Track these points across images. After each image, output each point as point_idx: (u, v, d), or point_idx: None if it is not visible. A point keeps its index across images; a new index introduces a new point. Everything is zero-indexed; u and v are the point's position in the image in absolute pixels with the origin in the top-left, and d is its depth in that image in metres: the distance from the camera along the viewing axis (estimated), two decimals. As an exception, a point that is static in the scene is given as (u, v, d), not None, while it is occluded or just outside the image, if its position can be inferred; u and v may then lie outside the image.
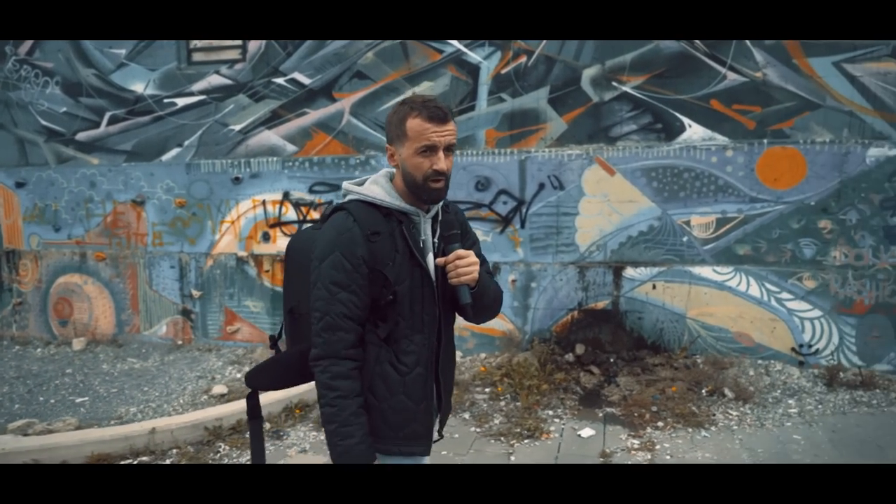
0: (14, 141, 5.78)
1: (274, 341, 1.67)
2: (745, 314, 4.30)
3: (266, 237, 5.13)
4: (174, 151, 5.40)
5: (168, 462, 3.29)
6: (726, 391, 3.86)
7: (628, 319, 4.48)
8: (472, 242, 1.65)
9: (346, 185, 1.55)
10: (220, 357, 4.97)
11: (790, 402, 3.76)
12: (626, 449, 3.29)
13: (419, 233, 1.51)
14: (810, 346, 4.23)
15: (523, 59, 4.71)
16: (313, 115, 5.11)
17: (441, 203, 1.55)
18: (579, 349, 4.45)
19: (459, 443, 3.45)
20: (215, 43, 5.32)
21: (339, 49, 5.00)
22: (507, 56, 4.73)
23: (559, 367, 4.36)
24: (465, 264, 1.46)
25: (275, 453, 3.36)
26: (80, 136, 5.61)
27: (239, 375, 4.53)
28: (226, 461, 3.31)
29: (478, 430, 3.61)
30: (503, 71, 4.75)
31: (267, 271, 5.14)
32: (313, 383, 1.48)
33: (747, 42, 4.34)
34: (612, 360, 4.40)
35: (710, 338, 4.37)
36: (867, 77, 4.21)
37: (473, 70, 4.81)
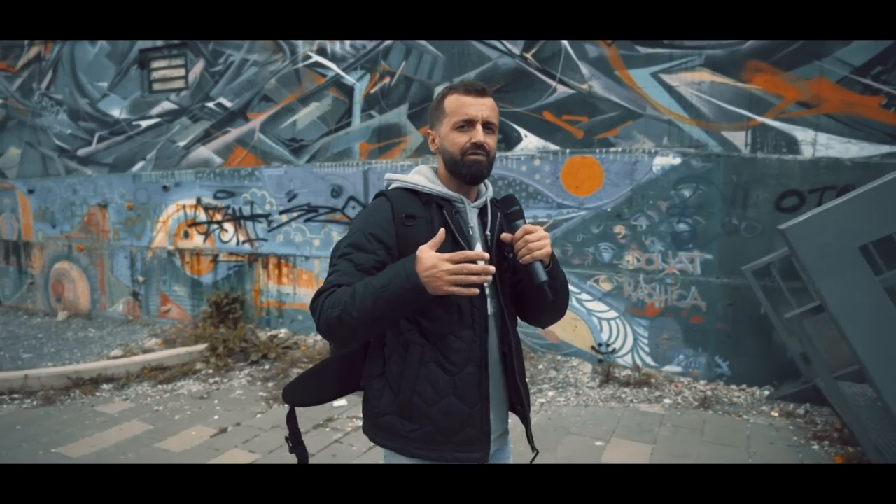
0: (39, 157, 7.35)
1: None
2: None
3: (186, 235, 6.15)
4: (140, 164, 6.62)
5: (15, 398, 4.26)
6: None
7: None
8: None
9: (388, 175, 1.48)
10: (151, 331, 6.02)
11: (550, 393, 3.97)
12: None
13: (465, 220, 1.41)
14: (608, 346, 4.34)
15: (388, 79, 5.31)
16: (234, 133, 6.06)
17: (489, 195, 1.47)
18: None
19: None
20: (168, 74, 6.48)
21: (251, 76, 5.92)
22: (375, 77, 5.35)
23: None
24: (534, 238, 1.32)
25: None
26: (80, 152, 7.03)
27: (149, 344, 5.52)
28: (77, 404, 4.24)
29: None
30: (372, 91, 5.37)
31: (188, 262, 6.15)
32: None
33: (574, 56, 4.62)
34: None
35: (521, 333, 4.61)
36: (683, 87, 4.31)
37: (349, 91, 5.49)
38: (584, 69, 4.58)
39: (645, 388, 3.96)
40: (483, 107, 1.38)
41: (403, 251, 1.33)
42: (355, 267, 1.32)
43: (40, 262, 7.17)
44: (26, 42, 7.18)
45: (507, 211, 1.40)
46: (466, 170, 1.38)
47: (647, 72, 4.41)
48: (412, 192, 1.41)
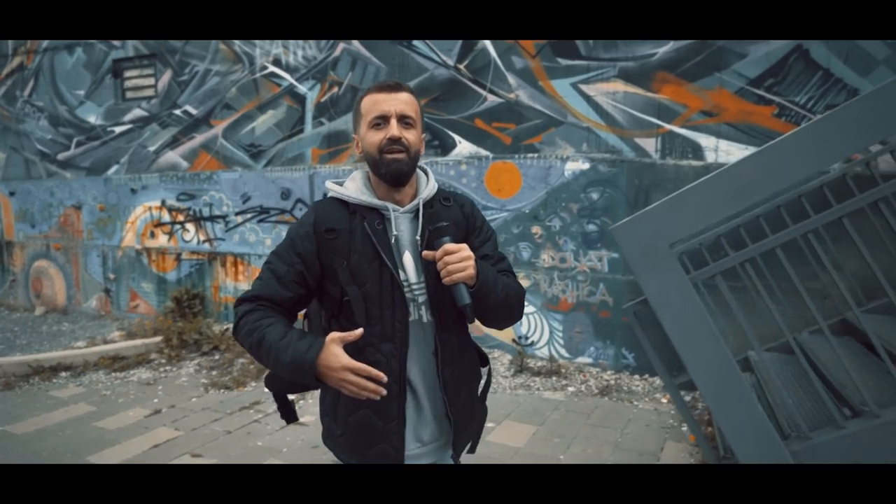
0: (22, 160, 7.75)
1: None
2: None
3: (152, 235, 6.51)
4: (114, 168, 6.99)
5: None
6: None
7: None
8: (484, 238, 1.48)
9: (326, 183, 1.45)
10: (119, 325, 6.37)
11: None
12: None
13: (389, 230, 1.35)
14: (527, 339, 4.63)
15: (336, 89, 5.64)
16: (199, 139, 6.41)
17: (426, 196, 1.41)
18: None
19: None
20: (139, 83, 6.85)
21: (214, 85, 6.27)
22: (325, 87, 5.68)
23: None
24: (455, 260, 1.26)
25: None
26: (59, 156, 7.41)
27: (112, 336, 5.87)
28: (34, 389, 4.57)
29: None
30: (322, 100, 5.71)
31: (154, 261, 6.51)
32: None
33: (502, 67, 4.92)
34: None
35: (452, 328, 4.92)
36: (599, 96, 4.60)
37: (302, 100, 5.82)
38: (512, 79, 4.88)
39: (554, 378, 4.25)
40: (397, 101, 1.34)
41: (327, 262, 1.34)
42: (274, 277, 1.35)
43: (21, 261, 7.56)
44: (10, 52, 7.58)
45: (431, 227, 1.35)
46: (385, 169, 1.33)
47: (567, 82, 4.71)
48: (342, 202, 1.39)
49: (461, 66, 5.06)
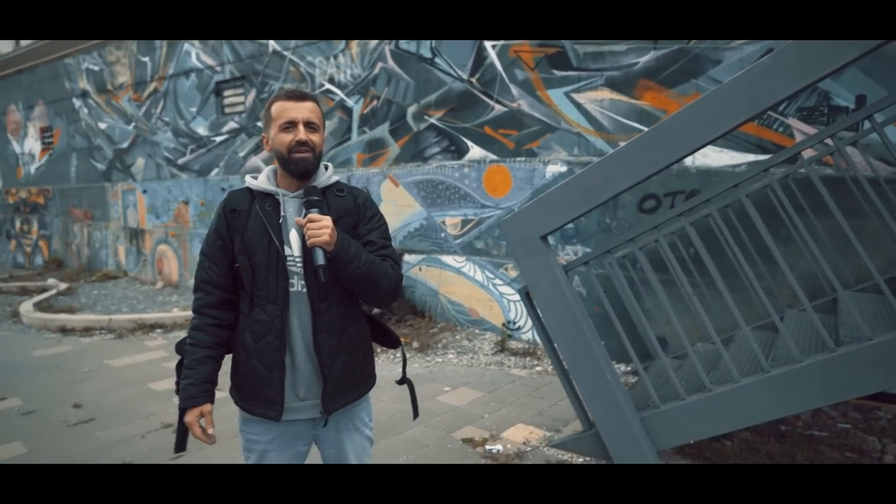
0: (154, 165, 9.64)
1: None
2: (473, 294, 5.38)
3: (236, 224, 7.90)
4: (215, 170, 8.52)
5: (102, 332, 6.10)
6: (415, 343, 5.12)
7: (406, 292, 5.90)
8: (372, 227, 1.68)
9: (246, 177, 1.68)
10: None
11: (450, 356, 4.87)
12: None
13: (278, 211, 1.58)
14: (514, 323, 5.11)
15: (375, 102, 6.52)
16: (275, 146, 7.65)
17: (313, 183, 1.61)
18: (375, 311, 6.04)
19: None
20: (234, 100, 8.28)
21: (286, 101, 7.46)
22: (367, 100, 6.58)
23: (364, 323, 6.03)
24: (315, 227, 1.47)
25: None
26: (179, 161, 9.16)
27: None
28: (135, 339, 5.98)
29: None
30: (365, 111, 6.62)
31: (237, 247, 7.89)
32: None
33: (506, 79, 5.46)
34: (395, 318, 5.89)
35: (453, 310, 5.53)
36: (589, 104, 4.98)
37: (349, 112, 6.78)
38: (514, 90, 5.40)
39: (528, 358, 4.72)
40: (303, 109, 1.56)
41: (233, 238, 1.59)
42: (208, 258, 1.65)
43: (150, 244, 9.43)
44: (148, 78, 9.48)
45: (304, 199, 1.56)
46: (294, 166, 1.56)
47: (561, 91, 5.13)
48: (249, 190, 1.64)
49: (473, 80, 5.67)
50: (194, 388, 1.57)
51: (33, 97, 11.93)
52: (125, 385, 4.51)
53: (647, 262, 2.89)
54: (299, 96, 1.59)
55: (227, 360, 1.69)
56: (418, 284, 5.89)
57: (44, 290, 8.90)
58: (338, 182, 1.71)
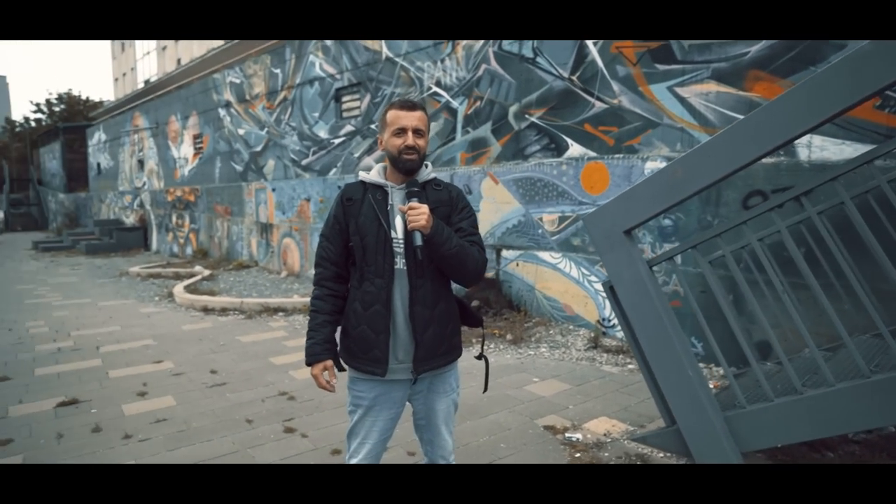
0: (282, 165, 10.69)
1: None
2: (568, 290, 5.38)
3: (350, 220, 8.53)
4: (333, 170, 9.28)
5: (235, 312, 6.94)
6: (508, 336, 5.24)
7: (503, 286, 6.04)
8: (463, 217, 1.92)
9: (359, 171, 2.02)
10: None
11: (542, 349, 4.93)
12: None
13: (387, 201, 1.85)
14: (609, 320, 5.04)
15: (478, 103, 6.75)
16: (385, 147, 8.19)
17: (419, 179, 1.86)
18: (475, 304, 6.26)
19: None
20: (351, 105, 8.96)
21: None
22: (471, 101, 6.84)
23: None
24: (414, 213, 1.71)
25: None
26: (303, 162, 10.08)
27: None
28: (262, 319, 6.74)
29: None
30: (468, 112, 6.87)
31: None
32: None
33: (607, 76, 5.43)
34: (492, 312, 6.08)
35: (549, 306, 5.57)
36: (693, 98, 4.82)
37: (454, 112, 7.08)
38: (616, 86, 5.35)
39: (620, 356, 4.67)
40: (413, 118, 1.82)
41: (349, 222, 1.87)
42: (327, 240, 1.92)
43: (277, 237, 10.48)
44: (279, 88, 10.52)
45: (407, 191, 1.82)
46: (402, 165, 1.83)
47: (664, 86, 5.00)
48: (362, 182, 1.92)
49: (574, 77, 5.69)
50: (318, 347, 1.87)
51: (189, 108, 13.71)
52: (251, 358, 5.16)
53: (755, 260, 2.81)
54: (410, 106, 1.85)
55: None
56: (515, 280, 6.03)
57: (192, 275, 10.26)
58: (435, 178, 1.97)
